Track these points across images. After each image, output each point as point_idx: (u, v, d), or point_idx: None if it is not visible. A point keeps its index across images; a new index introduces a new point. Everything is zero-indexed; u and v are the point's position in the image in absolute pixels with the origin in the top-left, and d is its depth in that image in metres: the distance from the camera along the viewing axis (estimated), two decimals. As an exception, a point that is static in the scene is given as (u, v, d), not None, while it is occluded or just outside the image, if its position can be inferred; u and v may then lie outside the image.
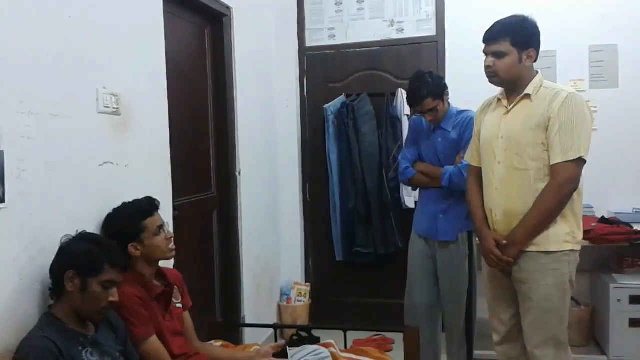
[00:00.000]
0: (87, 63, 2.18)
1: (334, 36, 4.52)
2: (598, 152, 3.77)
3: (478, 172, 2.62)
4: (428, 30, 4.32)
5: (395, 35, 4.39)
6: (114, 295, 1.83)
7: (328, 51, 4.53)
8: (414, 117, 3.28)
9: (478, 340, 3.80)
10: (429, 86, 3.05)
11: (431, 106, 3.06)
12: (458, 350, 3.24)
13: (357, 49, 4.46)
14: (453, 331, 3.22)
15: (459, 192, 3.08)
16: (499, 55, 2.39)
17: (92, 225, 2.13)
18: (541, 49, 3.84)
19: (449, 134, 3.13)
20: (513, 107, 2.45)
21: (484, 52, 2.45)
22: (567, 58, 4.02)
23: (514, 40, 2.37)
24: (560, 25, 3.99)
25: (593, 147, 3.65)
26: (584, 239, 3.47)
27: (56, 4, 2.01)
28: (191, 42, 3.37)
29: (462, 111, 3.19)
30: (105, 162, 2.28)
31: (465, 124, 3.09)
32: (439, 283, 3.21)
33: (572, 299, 3.83)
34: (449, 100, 3.16)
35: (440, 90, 3.08)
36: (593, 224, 3.61)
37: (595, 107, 3.98)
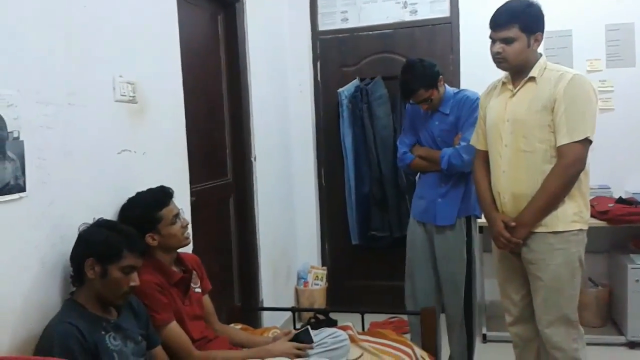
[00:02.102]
0: (103, 52, 2.19)
1: (347, 19, 4.49)
2: (615, 132, 3.81)
3: (484, 156, 2.63)
4: (442, 11, 4.28)
5: (408, 17, 4.36)
6: (134, 280, 1.85)
7: (341, 35, 4.51)
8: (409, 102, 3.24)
9: (491, 321, 3.83)
10: (419, 78, 2.98)
11: (425, 97, 3.01)
12: (457, 336, 3.21)
13: (370, 32, 4.44)
14: (452, 317, 3.18)
15: (457, 175, 3.06)
16: (508, 41, 2.38)
17: (111, 212, 2.15)
18: (557, 28, 3.85)
19: (447, 116, 3.08)
20: (518, 90, 2.46)
21: (491, 38, 2.45)
22: (583, 37, 3.98)
23: (522, 26, 2.36)
24: (576, 5, 3.96)
25: (610, 127, 3.69)
26: (601, 219, 3.51)
27: (71, -7, 2.03)
28: (204, 29, 3.37)
29: (458, 92, 3.15)
30: (123, 150, 2.30)
31: (461, 105, 3.04)
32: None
33: (590, 279, 3.86)
34: (444, 84, 3.10)
35: (432, 79, 3.00)
36: (610, 205, 3.59)
37: (612, 86, 3.95)
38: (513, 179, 2.45)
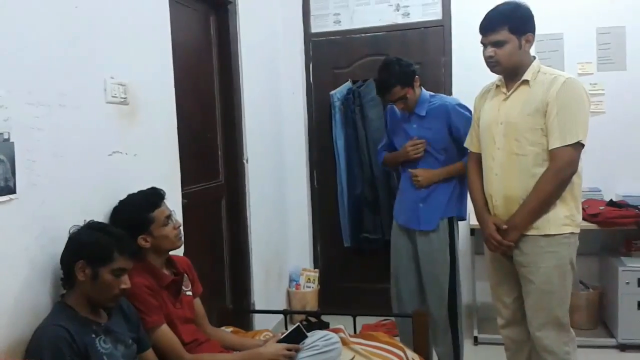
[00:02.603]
0: (95, 53, 2.18)
1: (340, 22, 4.50)
2: (606, 135, 3.83)
3: (478, 158, 2.65)
4: (434, 14, 4.30)
5: (401, 20, 4.37)
6: (125, 282, 1.84)
7: (333, 37, 4.52)
8: (389, 105, 3.26)
9: (483, 323, 3.84)
10: (396, 75, 3.01)
11: (400, 95, 3.02)
12: (443, 338, 3.19)
13: (363, 35, 4.45)
14: (436, 319, 3.16)
15: None
16: (499, 44, 2.39)
17: (102, 214, 2.14)
18: (548, 31, 3.87)
19: (423, 119, 3.09)
20: (512, 93, 2.46)
21: (482, 42, 2.46)
22: (574, 41, 4.00)
23: (511, 28, 2.37)
24: (567, 8, 3.98)
25: (601, 130, 3.71)
26: (592, 222, 3.53)
27: (62, -6, 2.02)
28: (197, 31, 3.36)
29: (434, 95, 3.16)
30: (115, 152, 2.28)
31: (446, 113, 3.04)
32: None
33: (581, 282, 3.88)
34: (421, 86, 3.11)
35: (408, 77, 3.02)
36: (601, 207, 3.61)
37: (603, 90, 3.97)
38: (505, 181, 2.46)
